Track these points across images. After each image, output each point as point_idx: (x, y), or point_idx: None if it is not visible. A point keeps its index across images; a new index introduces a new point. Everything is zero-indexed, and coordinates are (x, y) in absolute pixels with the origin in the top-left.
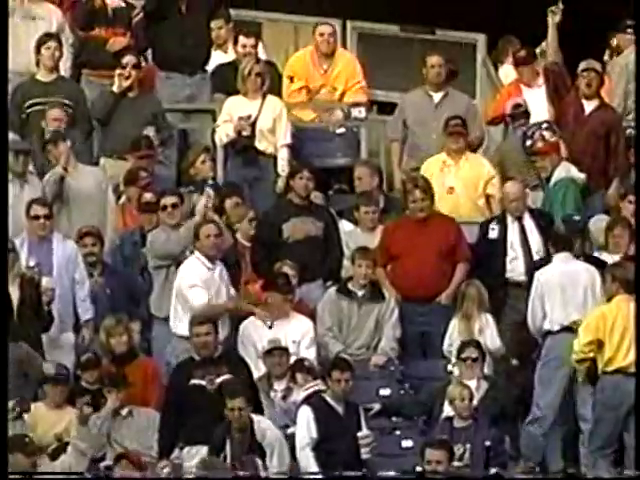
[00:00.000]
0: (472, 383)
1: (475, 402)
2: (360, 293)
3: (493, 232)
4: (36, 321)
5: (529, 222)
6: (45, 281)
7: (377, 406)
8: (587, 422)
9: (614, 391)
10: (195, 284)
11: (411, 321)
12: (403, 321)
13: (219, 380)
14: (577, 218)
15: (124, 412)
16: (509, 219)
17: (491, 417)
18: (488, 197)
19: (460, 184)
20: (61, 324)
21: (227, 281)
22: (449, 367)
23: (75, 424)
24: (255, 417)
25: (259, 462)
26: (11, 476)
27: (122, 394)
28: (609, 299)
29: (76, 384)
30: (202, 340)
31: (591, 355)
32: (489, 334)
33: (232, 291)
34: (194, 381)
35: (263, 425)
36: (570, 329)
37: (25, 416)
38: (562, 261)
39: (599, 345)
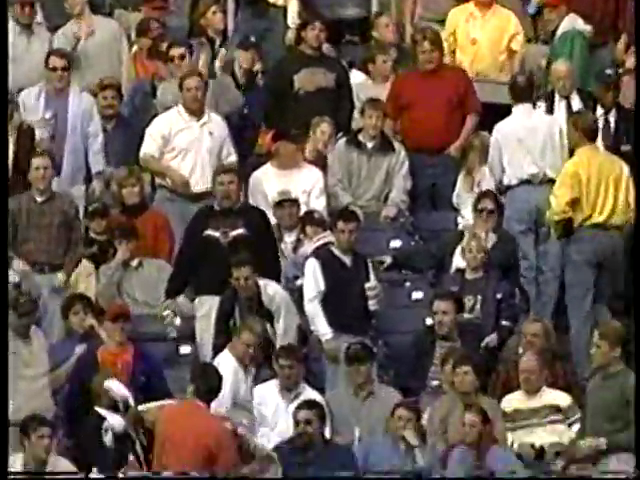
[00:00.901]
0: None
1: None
2: (370, 144)
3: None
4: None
5: (577, 101)
6: (39, 132)
7: (389, 259)
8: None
9: (592, 242)
10: (154, 133)
11: (421, 173)
12: (413, 173)
13: (233, 233)
14: (609, 72)
15: (134, 263)
16: (556, 97)
17: (502, 270)
18: (510, 53)
19: (484, 36)
20: (73, 177)
21: (220, 138)
22: (459, 219)
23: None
24: (261, 282)
25: (268, 326)
26: (11, 476)
27: (132, 245)
28: (572, 148)
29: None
30: (225, 189)
31: (569, 214)
32: (484, 186)
33: (226, 150)
34: (208, 232)
35: (270, 290)
36: (529, 182)
37: None
38: (522, 113)
39: (576, 202)
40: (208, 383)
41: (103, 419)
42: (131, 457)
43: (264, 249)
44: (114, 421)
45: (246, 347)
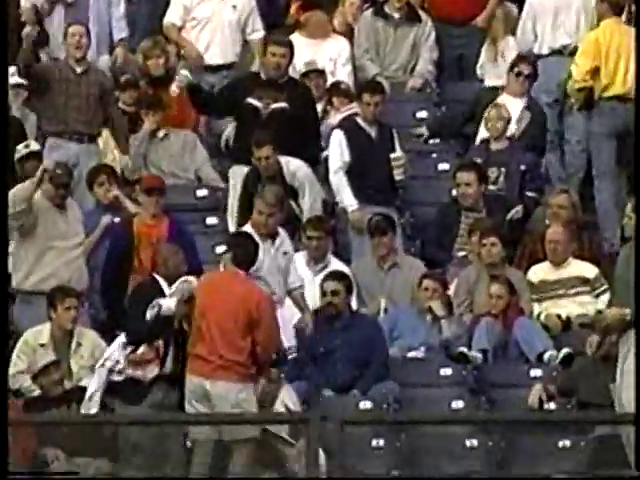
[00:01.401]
0: (517, 102)
1: (516, 126)
2: (396, 15)
3: None
4: None
5: None
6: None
7: (425, 131)
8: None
9: (611, 114)
10: (177, 2)
11: (447, 43)
12: (440, 43)
13: (274, 106)
14: None
15: (160, 134)
16: None
17: (529, 140)
18: None
19: None
20: (98, 47)
21: (244, 12)
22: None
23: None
24: (282, 159)
25: (292, 203)
26: (11, 476)
27: (158, 116)
28: (599, 21)
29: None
30: (277, 60)
31: (590, 83)
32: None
33: (251, 25)
34: (250, 100)
35: (292, 167)
36: (560, 52)
37: None
38: None
39: (596, 72)
40: (245, 251)
41: (149, 293)
42: (161, 345)
43: (305, 126)
44: (165, 302)
45: (260, 216)
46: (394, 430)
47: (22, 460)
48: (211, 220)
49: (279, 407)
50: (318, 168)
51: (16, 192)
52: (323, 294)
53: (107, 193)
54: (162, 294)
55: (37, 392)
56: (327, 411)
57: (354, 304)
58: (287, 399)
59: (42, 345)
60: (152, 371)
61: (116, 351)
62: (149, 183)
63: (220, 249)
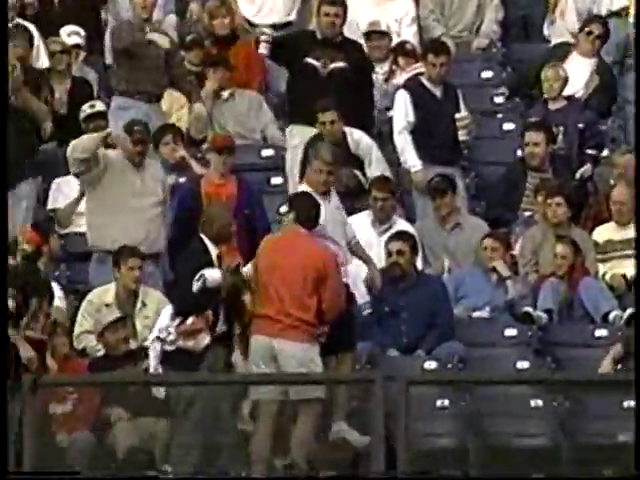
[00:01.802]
0: (587, 62)
1: (583, 86)
2: None
3: None
4: None
5: None
6: None
7: (505, 90)
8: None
9: None
10: None
11: (513, 3)
12: (505, 3)
13: (333, 65)
14: None
15: (225, 95)
16: None
17: (596, 103)
18: None
19: None
20: (164, 6)
21: None
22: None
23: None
24: (347, 129)
25: (358, 173)
26: (11, 476)
27: (222, 76)
28: None
29: (180, 66)
30: (331, 20)
31: None
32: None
33: None
34: (309, 60)
35: (356, 136)
36: (618, 14)
37: None
38: None
39: None
40: (308, 210)
41: (195, 259)
42: (209, 315)
43: (361, 86)
44: (210, 274)
45: (318, 173)
46: (459, 390)
47: (85, 420)
48: (276, 180)
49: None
50: (372, 130)
51: (79, 141)
52: (388, 254)
53: (173, 153)
54: (208, 256)
55: (102, 352)
56: (392, 371)
57: (419, 264)
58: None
59: (107, 305)
60: (203, 341)
61: (166, 322)
62: (219, 142)
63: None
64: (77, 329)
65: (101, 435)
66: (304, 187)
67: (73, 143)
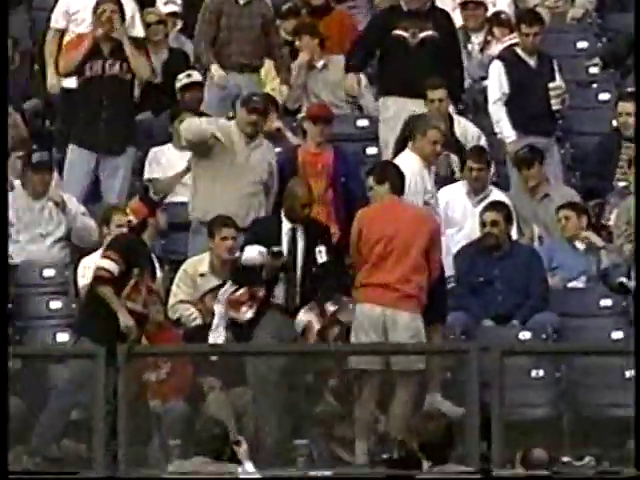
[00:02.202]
0: None
1: None
2: None
3: None
4: None
5: None
6: None
7: (599, 61)
8: None
9: None
10: None
11: None
12: None
13: (422, 35)
14: None
15: (319, 64)
16: None
17: None
18: None
19: None
20: None
21: None
22: None
23: None
24: (455, 116)
25: (455, 158)
26: (11, 476)
27: (316, 45)
28: None
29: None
30: None
31: None
32: None
33: None
34: (397, 31)
35: (462, 122)
36: None
37: None
38: None
39: None
40: (400, 180)
41: (263, 230)
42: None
43: (449, 53)
44: (247, 253)
45: (432, 144)
46: (554, 361)
47: (179, 390)
48: (371, 150)
49: None
50: (463, 98)
51: (195, 125)
52: (483, 225)
53: (269, 124)
54: (279, 232)
55: (197, 321)
56: (486, 342)
57: (513, 234)
58: None
59: (202, 275)
60: (245, 314)
61: (225, 289)
62: (316, 111)
63: None
64: (172, 299)
65: (195, 405)
66: (408, 157)
67: (188, 122)
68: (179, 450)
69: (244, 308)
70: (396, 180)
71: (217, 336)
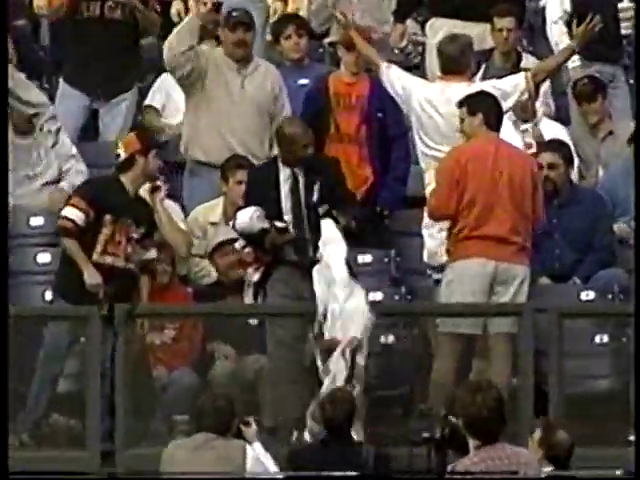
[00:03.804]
0: None
1: None
2: None
3: None
4: None
5: None
6: None
7: None
8: None
9: None
10: None
11: None
12: None
13: None
14: None
15: None
16: None
17: None
18: None
19: None
20: None
21: None
22: None
23: None
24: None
25: None
26: (11, 476)
27: None
28: None
29: None
30: None
31: None
32: None
33: None
34: None
35: (531, 59)
36: None
37: None
38: None
39: None
40: (497, 112)
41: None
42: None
43: None
44: (240, 217)
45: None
46: (620, 324)
47: (187, 356)
48: None
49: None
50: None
51: (173, 35)
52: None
53: (296, 47)
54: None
55: (207, 279)
56: (543, 302)
57: (574, 177)
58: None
59: (213, 224)
60: (252, 276)
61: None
62: (349, 38)
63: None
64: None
65: (205, 374)
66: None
67: (168, 40)
68: (186, 427)
69: (250, 270)
70: (492, 112)
71: (247, 296)
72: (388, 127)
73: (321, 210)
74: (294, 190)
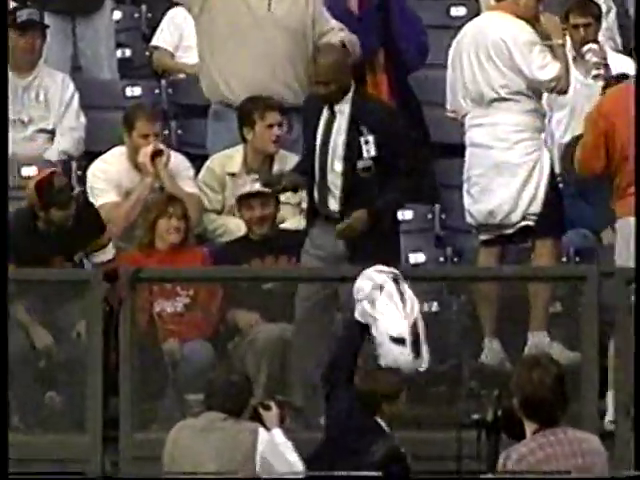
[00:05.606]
0: None
1: None
2: None
3: None
4: None
5: None
6: None
7: None
8: None
9: None
10: None
11: None
12: None
13: None
14: None
15: None
16: None
17: None
18: None
19: None
20: None
21: None
22: None
23: None
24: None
25: None
26: (11, 476)
27: None
28: None
29: None
30: None
31: None
32: None
33: None
34: None
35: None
36: None
37: None
38: None
39: None
40: None
41: None
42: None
43: None
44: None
45: None
46: None
47: (202, 327)
48: (457, 11)
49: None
50: None
51: None
52: None
53: None
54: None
55: (227, 237)
56: (610, 266)
57: None
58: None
59: (233, 175)
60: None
61: None
62: None
63: None
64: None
65: (224, 348)
66: None
67: None
68: (201, 408)
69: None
70: None
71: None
72: (408, 52)
73: (361, 165)
74: (326, 133)
